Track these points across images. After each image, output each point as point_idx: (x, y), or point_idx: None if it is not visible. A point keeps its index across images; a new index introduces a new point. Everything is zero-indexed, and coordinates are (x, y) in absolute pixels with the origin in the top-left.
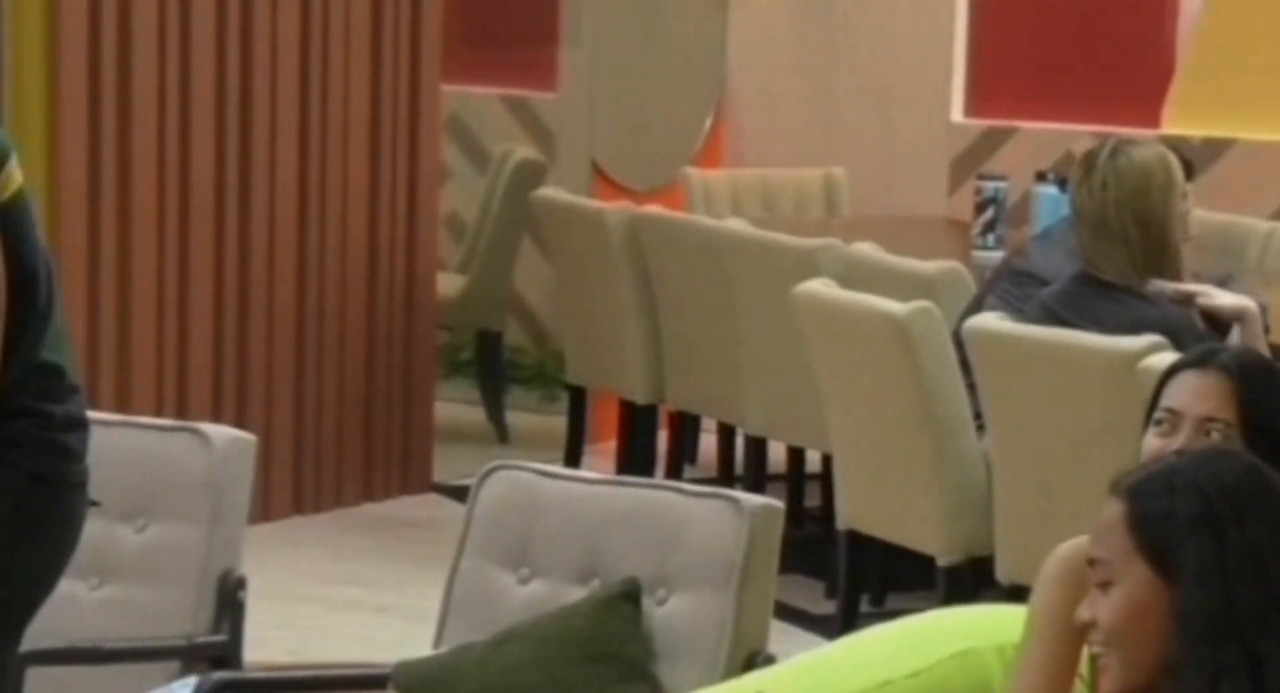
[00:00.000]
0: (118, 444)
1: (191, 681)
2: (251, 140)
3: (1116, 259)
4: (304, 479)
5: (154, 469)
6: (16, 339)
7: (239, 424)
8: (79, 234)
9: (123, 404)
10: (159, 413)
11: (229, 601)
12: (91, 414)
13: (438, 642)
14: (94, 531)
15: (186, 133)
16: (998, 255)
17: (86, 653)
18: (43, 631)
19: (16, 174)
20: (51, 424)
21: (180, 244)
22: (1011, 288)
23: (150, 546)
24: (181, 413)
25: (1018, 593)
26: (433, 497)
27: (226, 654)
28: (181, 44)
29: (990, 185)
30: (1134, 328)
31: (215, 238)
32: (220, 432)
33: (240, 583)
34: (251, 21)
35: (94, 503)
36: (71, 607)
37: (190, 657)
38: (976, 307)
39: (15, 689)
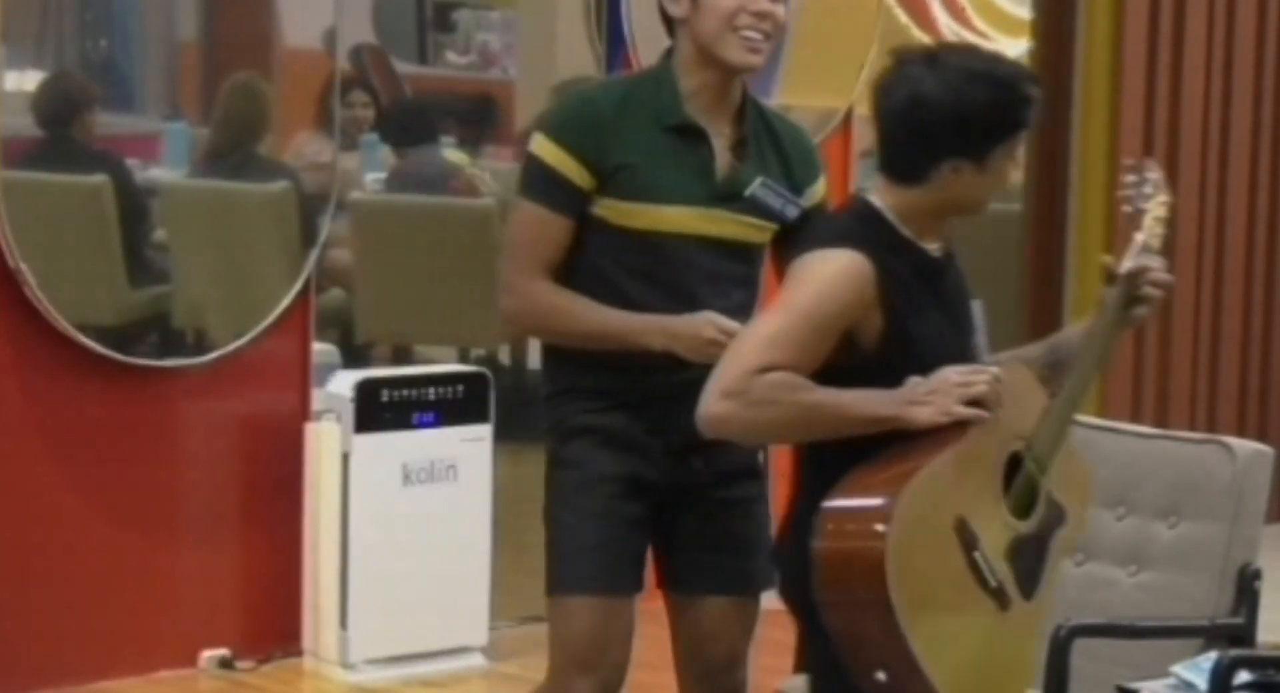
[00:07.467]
0: (1156, 453)
1: (1212, 655)
2: None
3: None
4: None
5: (1185, 475)
6: None
7: (1260, 438)
8: None
9: (1161, 420)
10: (1192, 427)
11: (1246, 589)
12: (1134, 427)
13: None
14: (1132, 525)
15: (1224, 167)
16: None
17: (1124, 629)
18: (1088, 607)
19: None
20: None
21: (1215, 278)
22: None
23: (1180, 539)
24: (1211, 427)
25: None
26: None
27: (1243, 635)
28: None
29: None
30: None
31: (1244, 273)
32: (1243, 445)
33: (1256, 574)
34: None
35: None
36: (1112, 590)
37: (1211, 635)
38: None
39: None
